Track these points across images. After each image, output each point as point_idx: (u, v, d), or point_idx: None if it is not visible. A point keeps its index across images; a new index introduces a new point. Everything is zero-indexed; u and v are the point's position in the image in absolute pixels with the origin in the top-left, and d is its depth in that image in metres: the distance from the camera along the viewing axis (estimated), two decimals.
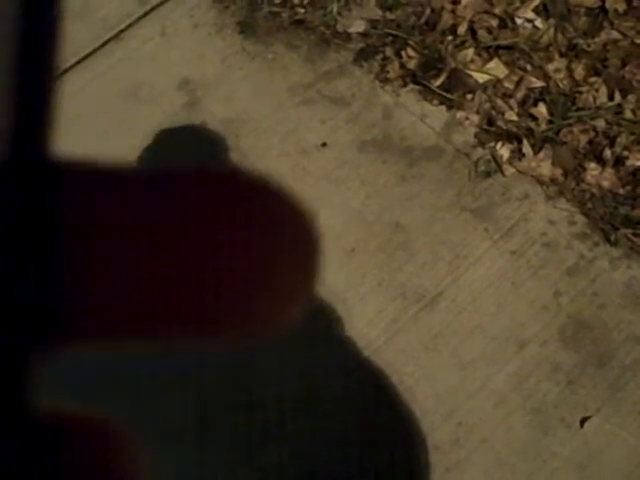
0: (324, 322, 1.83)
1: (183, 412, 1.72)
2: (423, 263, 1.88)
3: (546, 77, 2.12)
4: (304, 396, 1.74)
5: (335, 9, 2.28)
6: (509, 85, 2.13)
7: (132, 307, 0.17)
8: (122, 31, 2.25)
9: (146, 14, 2.28)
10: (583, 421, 1.66)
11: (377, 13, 2.28)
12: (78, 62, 2.20)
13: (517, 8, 2.24)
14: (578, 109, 2.06)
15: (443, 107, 2.12)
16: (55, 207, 0.17)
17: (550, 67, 2.13)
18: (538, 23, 2.21)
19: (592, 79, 2.10)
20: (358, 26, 2.26)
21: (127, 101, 2.16)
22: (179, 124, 2.14)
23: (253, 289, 0.17)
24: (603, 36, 2.17)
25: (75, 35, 2.24)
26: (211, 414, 1.72)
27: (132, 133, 2.10)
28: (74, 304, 0.17)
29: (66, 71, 2.20)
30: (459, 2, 2.26)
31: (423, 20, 2.25)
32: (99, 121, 2.13)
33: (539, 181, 1.98)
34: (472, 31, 2.22)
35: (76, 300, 0.17)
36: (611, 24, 2.18)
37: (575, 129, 2.03)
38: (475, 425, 1.70)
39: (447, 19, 2.24)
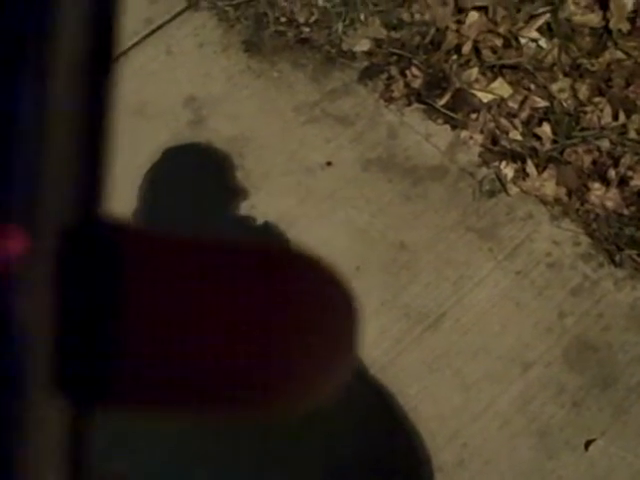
0: None
1: None
2: (427, 283, 1.88)
3: (550, 97, 2.13)
4: (305, 416, 1.73)
5: (340, 28, 2.29)
6: (513, 105, 2.13)
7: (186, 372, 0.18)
8: (128, 49, 2.27)
9: (152, 33, 2.29)
10: (588, 444, 1.65)
11: (382, 32, 2.29)
12: None
13: (521, 28, 2.25)
14: (582, 129, 2.06)
15: (447, 126, 2.13)
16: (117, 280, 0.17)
17: (554, 87, 2.14)
18: (542, 43, 2.22)
19: (596, 99, 2.11)
20: (363, 45, 2.27)
21: (133, 119, 2.17)
22: (184, 142, 2.14)
23: (300, 364, 0.18)
24: (607, 56, 2.18)
25: None
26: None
27: (138, 151, 2.10)
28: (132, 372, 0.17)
29: None
30: (463, 22, 2.27)
31: (428, 39, 2.26)
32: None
33: (543, 201, 1.98)
34: (476, 50, 2.23)
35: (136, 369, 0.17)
36: (615, 44, 2.18)
37: (579, 149, 2.04)
38: (479, 447, 1.69)
39: (452, 38, 2.25)
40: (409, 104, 2.17)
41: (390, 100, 2.19)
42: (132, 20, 2.30)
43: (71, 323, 0.16)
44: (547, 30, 2.24)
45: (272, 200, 2.02)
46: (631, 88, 2.10)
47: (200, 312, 0.18)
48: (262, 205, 2.02)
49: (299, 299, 0.18)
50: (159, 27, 2.30)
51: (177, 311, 0.18)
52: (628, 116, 2.06)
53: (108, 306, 0.17)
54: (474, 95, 2.16)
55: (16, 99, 0.14)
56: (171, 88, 2.21)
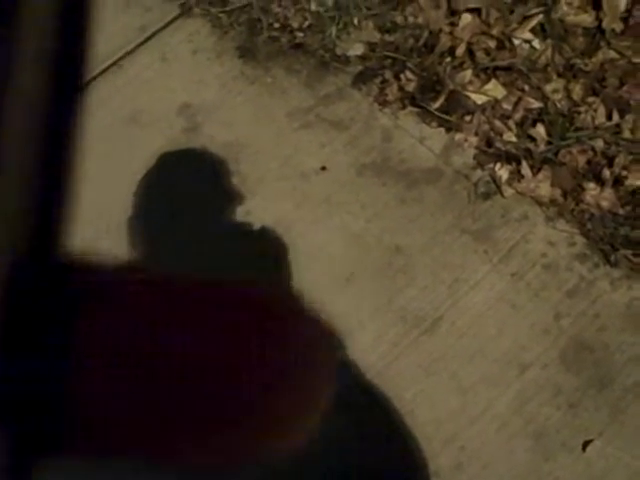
0: None
1: None
2: (423, 286, 1.88)
3: (544, 98, 2.13)
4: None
5: (334, 33, 2.29)
6: (507, 106, 2.13)
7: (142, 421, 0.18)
8: (122, 58, 2.27)
9: (146, 40, 2.30)
10: (585, 445, 1.65)
11: (375, 36, 2.29)
12: None
13: (514, 29, 2.25)
14: (576, 129, 2.06)
15: (442, 129, 2.13)
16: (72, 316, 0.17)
17: (548, 87, 2.14)
18: (535, 44, 2.22)
19: (590, 99, 2.11)
20: (357, 49, 2.28)
21: (128, 127, 2.18)
22: (179, 149, 2.15)
23: (273, 404, 0.18)
24: (600, 56, 2.18)
25: None
26: None
27: (133, 158, 2.11)
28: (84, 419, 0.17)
29: None
30: (457, 24, 2.27)
31: (421, 42, 2.26)
32: (100, 146, 2.14)
33: (538, 202, 1.98)
34: (470, 52, 2.23)
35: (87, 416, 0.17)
36: (608, 44, 2.18)
37: (574, 149, 2.03)
38: (477, 450, 1.69)
39: (445, 41, 2.25)
40: (403, 107, 2.18)
41: (384, 104, 2.19)
42: (126, 28, 2.31)
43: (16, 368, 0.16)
44: (540, 31, 2.24)
45: (267, 205, 2.02)
46: (625, 88, 2.10)
47: (155, 355, 0.18)
48: (258, 210, 2.02)
49: (277, 339, 0.19)
50: (153, 35, 2.31)
51: (131, 351, 0.18)
52: (622, 116, 2.06)
53: (54, 347, 0.17)
54: (468, 97, 2.16)
55: None
56: (166, 95, 2.22)
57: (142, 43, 2.29)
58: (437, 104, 2.16)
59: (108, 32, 2.32)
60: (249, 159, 2.11)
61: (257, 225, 2.01)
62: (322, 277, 1.91)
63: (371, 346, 1.81)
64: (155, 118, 2.17)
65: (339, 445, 1.71)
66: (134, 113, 2.18)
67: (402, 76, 2.22)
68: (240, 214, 2.03)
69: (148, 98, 2.20)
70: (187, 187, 2.09)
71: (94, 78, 2.25)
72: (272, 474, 1.67)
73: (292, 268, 1.93)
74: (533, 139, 2.07)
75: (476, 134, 2.11)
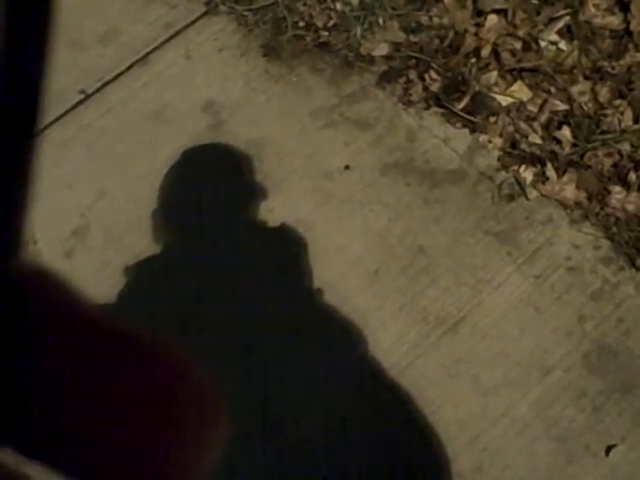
0: (345, 345, 1.83)
1: None
2: (446, 287, 1.87)
3: (570, 100, 2.11)
4: (326, 420, 1.73)
5: (359, 32, 2.29)
6: (533, 108, 2.12)
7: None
8: (148, 54, 2.28)
9: (171, 38, 2.31)
10: (608, 449, 1.64)
11: (400, 36, 2.29)
12: (104, 86, 2.23)
13: (541, 30, 2.23)
14: (603, 132, 2.04)
15: (466, 130, 2.12)
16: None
17: (574, 90, 2.12)
18: (562, 45, 2.21)
19: (617, 102, 2.09)
20: (381, 49, 2.27)
21: (152, 123, 2.19)
22: (203, 146, 2.15)
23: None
24: (628, 58, 2.16)
25: (101, 59, 2.27)
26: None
27: (157, 155, 2.12)
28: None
29: (92, 95, 2.23)
30: (483, 25, 2.27)
31: (446, 43, 2.26)
32: (125, 143, 2.15)
33: (563, 205, 1.97)
34: (495, 54, 2.22)
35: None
36: (636, 46, 2.17)
37: (599, 152, 2.02)
38: (498, 452, 1.68)
39: (470, 42, 2.24)
40: (428, 108, 2.17)
41: (409, 104, 2.18)
42: (151, 25, 2.32)
43: None
44: (567, 33, 2.22)
45: (290, 204, 2.02)
46: None
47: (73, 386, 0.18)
48: (280, 209, 2.02)
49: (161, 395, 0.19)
50: (178, 32, 2.31)
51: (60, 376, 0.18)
52: None
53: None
54: (493, 98, 2.15)
55: None
56: (190, 93, 2.22)
57: (167, 40, 2.30)
58: (462, 105, 2.15)
59: (133, 29, 2.34)
60: (273, 157, 2.11)
61: (279, 223, 2.01)
62: (344, 276, 1.90)
63: (393, 345, 1.81)
64: (180, 115, 2.17)
65: (358, 444, 1.70)
66: (159, 110, 2.19)
67: (427, 76, 2.22)
68: (263, 212, 2.03)
69: (173, 95, 2.21)
70: (210, 184, 2.09)
71: (119, 74, 2.26)
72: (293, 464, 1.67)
73: (314, 266, 1.93)
74: (558, 141, 2.06)
75: (501, 135, 2.10)
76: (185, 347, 0.20)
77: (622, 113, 2.06)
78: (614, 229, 1.92)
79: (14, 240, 0.18)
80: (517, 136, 2.08)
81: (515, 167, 2.04)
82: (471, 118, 2.12)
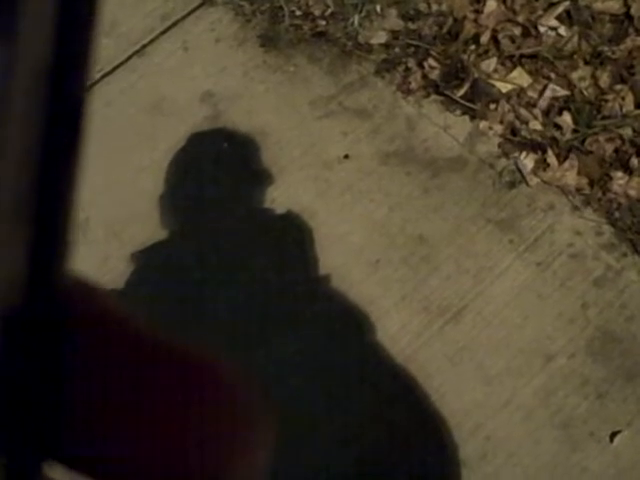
0: (348, 336, 1.82)
1: None
2: (447, 276, 1.87)
3: (571, 85, 2.10)
4: (327, 410, 1.73)
5: (356, 21, 2.28)
6: (533, 94, 2.11)
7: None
8: (145, 46, 2.27)
9: (168, 29, 2.29)
10: (613, 436, 1.63)
11: (399, 24, 2.27)
12: (103, 77, 2.22)
13: (540, 16, 2.22)
14: (604, 117, 2.03)
15: (466, 117, 2.11)
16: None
17: (574, 75, 2.11)
18: (562, 31, 2.19)
19: (618, 87, 2.08)
20: (380, 37, 2.26)
21: (151, 114, 2.17)
22: (202, 137, 2.14)
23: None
24: (629, 43, 2.14)
25: (98, 51, 2.26)
26: None
27: (156, 146, 2.11)
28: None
29: (91, 86, 2.22)
30: (481, 11, 2.25)
31: (445, 30, 2.24)
32: (123, 134, 2.14)
33: (565, 191, 1.96)
34: (495, 40, 2.20)
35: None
36: (636, 31, 2.15)
37: (601, 138, 2.01)
38: (502, 440, 1.68)
39: (469, 28, 2.23)
40: (427, 96, 2.16)
41: (408, 92, 2.17)
42: (148, 17, 2.30)
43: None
44: (567, 18, 2.21)
45: (290, 194, 2.01)
46: None
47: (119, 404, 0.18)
48: (280, 199, 2.01)
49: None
50: (175, 23, 2.30)
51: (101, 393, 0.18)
52: None
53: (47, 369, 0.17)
54: (493, 85, 2.13)
55: None
56: (188, 84, 2.21)
57: (164, 31, 2.29)
58: (461, 92, 2.14)
59: (130, 20, 2.32)
60: (271, 148, 2.10)
61: (280, 213, 2.00)
62: (345, 266, 1.90)
63: (396, 335, 1.80)
64: (178, 106, 2.16)
65: (362, 433, 1.70)
66: (157, 101, 2.18)
67: (426, 64, 2.20)
68: (262, 202, 2.03)
69: (171, 86, 2.20)
70: (210, 175, 2.08)
71: (117, 67, 2.25)
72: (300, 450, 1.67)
73: (315, 256, 1.92)
74: (559, 127, 2.04)
75: (501, 122, 2.09)
76: (236, 364, 0.19)
77: (623, 98, 2.05)
78: (616, 215, 1.91)
79: (62, 248, 0.17)
80: (517, 123, 2.07)
81: (516, 154, 2.03)
82: (471, 105, 2.11)
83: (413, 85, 2.18)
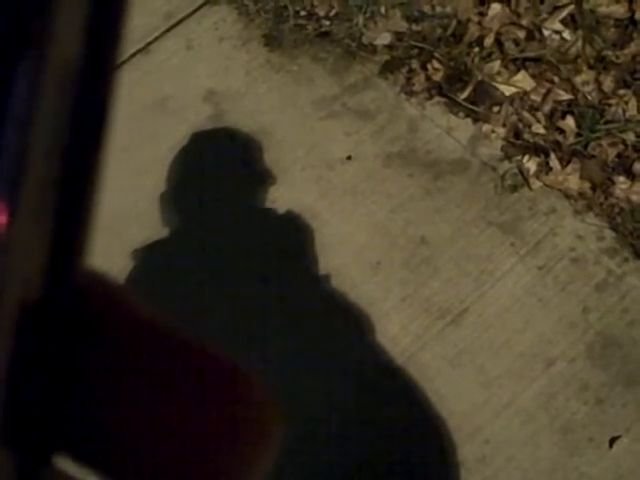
0: (348, 337, 1.82)
1: None
2: (448, 278, 1.86)
3: (574, 89, 2.10)
4: (327, 411, 1.73)
5: (361, 21, 2.27)
6: (536, 98, 2.11)
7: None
8: (148, 44, 2.27)
9: (172, 27, 2.29)
10: (612, 441, 1.63)
11: (403, 25, 2.27)
12: None
13: (544, 19, 2.22)
14: (607, 122, 2.03)
15: (469, 120, 2.10)
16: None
17: (578, 79, 2.11)
18: (566, 35, 2.19)
19: (621, 91, 2.08)
20: (384, 38, 2.26)
21: (154, 113, 2.17)
22: (204, 136, 2.14)
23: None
24: (633, 47, 2.14)
25: None
26: None
27: (158, 145, 2.11)
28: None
29: None
30: (486, 14, 2.25)
31: (449, 32, 2.24)
32: (126, 133, 2.14)
33: (567, 195, 1.96)
34: (499, 43, 2.20)
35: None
36: None
37: (604, 142, 2.01)
38: (501, 443, 1.68)
39: (473, 31, 2.23)
40: (430, 97, 2.16)
41: (411, 94, 2.17)
42: (152, 15, 2.30)
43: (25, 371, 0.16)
44: (571, 22, 2.20)
45: (292, 195, 2.01)
46: None
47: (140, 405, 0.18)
48: (282, 200, 2.01)
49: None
50: (179, 22, 2.30)
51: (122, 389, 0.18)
52: None
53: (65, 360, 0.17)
54: (496, 88, 2.13)
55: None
56: (191, 83, 2.21)
57: (168, 30, 2.29)
58: (464, 94, 2.14)
59: (134, 19, 2.31)
60: (274, 147, 2.10)
61: (282, 214, 2.00)
62: (347, 267, 1.89)
63: (396, 337, 1.80)
64: (181, 105, 2.16)
65: (362, 436, 1.70)
66: (161, 100, 2.17)
67: (429, 66, 2.20)
68: (265, 203, 2.02)
69: (174, 85, 2.20)
70: (212, 175, 2.08)
71: (120, 64, 2.24)
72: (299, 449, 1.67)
73: (317, 257, 1.92)
74: (562, 131, 2.04)
75: (504, 125, 2.09)
76: (250, 364, 0.19)
77: (626, 103, 2.04)
78: (618, 220, 1.91)
79: (80, 247, 0.18)
80: (520, 126, 2.07)
81: (518, 157, 2.02)
82: (474, 108, 2.11)
83: (416, 87, 2.17)
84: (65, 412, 0.17)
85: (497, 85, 2.13)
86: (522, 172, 2.00)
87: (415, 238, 1.93)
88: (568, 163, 1.99)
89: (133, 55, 2.25)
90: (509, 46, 2.19)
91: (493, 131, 2.08)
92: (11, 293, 0.15)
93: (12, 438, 0.16)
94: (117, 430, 0.18)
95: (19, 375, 0.16)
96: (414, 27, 2.27)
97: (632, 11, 2.16)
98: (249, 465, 0.19)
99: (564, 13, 2.20)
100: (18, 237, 0.15)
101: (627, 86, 2.07)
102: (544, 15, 2.21)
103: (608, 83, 2.09)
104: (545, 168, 2.00)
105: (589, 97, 2.08)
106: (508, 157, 2.03)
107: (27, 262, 0.15)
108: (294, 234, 1.97)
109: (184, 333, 0.19)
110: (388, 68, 2.21)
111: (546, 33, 2.20)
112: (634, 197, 1.93)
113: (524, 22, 2.22)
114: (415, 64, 2.21)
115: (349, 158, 2.06)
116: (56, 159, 0.16)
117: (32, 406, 0.17)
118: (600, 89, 2.08)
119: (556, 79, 2.12)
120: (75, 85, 0.16)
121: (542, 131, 2.05)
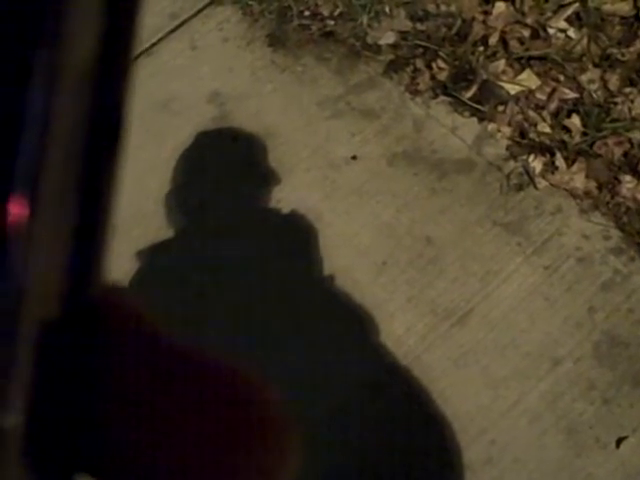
0: (353, 337, 1.82)
1: None
2: (454, 278, 1.86)
3: (579, 88, 2.09)
4: (335, 411, 1.72)
5: (365, 21, 2.27)
6: (541, 96, 2.10)
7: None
8: (153, 45, 2.27)
9: (176, 28, 2.29)
10: (619, 442, 1.62)
11: (407, 24, 2.27)
12: None
13: (549, 18, 2.21)
14: (613, 120, 2.02)
15: (474, 119, 2.10)
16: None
17: (584, 78, 2.10)
18: (571, 33, 2.18)
19: (627, 89, 2.07)
20: (388, 38, 2.25)
21: (158, 114, 2.17)
22: (209, 137, 2.14)
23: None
24: (638, 45, 2.13)
25: None
26: None
27: (163, 145, 2.11)
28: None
29: None
30: (490, 12, 2.24)
31: (454, 31, 2.23)
32: (132, 134, 2.14)
33: (573, 194, 1.95)
34: (503, 42, 2.19)
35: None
36: None
37: (609, 141, 2.00)
38: (508, 444, 1.67)
39: (478, 30, 2.22)
40: (435, 97, 2.15)
41: (416, 93, 2.16)
42: (157, 16, 2.30)
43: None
44: (576, 20, 2.20)
45: (297, 195, 2.01)
46: None
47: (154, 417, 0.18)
48: (287, 199, 2.01)
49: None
50: (184, 22, 2.30)
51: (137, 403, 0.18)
52: None
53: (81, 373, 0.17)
54: (501, 87, 2.12)
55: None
56: (196, 83, 2.21)
57: (172, 30, 2.29)
58: (469, 94, 2.13)
59: None
60: (279, 148, 2.09)
61: (287, 214, 2.00)
62: (352, 267, 1.89)
63: (402, 337, 1.79)
64: (186, 106, 2.16)
65: (367, 435, 1.69)
66: (165, 100, 2.17)
67: (434, 65, 2.20)
68: (270, 203, 2.02)
69: (179, 86, 2.20)
70: (217, 175, 2.08)
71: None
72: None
73: (322, 257, 1.92)
74: (568, 130, 2.03)
75: (509, 124, 2.08)
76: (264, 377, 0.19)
77: (632, 101, 2.03)
78: (624, 219, 1.90)
79: (99, 255, 0.18)
80: (526, 125, 2.06)
81: (524, 156, 2.02)
82: (479, 107, 2.10)
83: (421, 86, 2.17)
84: (84, 428, 0.17)
85: (502, 84, 2.12)
86: (528, 171, 2.00)
87: (420, 238, 1.93)
88: (574, 162, 1.98)
89: (138, 56, 2.25)
90: (514, 45, 2.18)
91: (498, 130, 2.07)
92: (32, 289, 0.15)
93: (34, 457, 0.16)
94: (133, 440, 0.18)
95: (40, 392, 0.16)
96: (418, 26, 2.27)
97: (637, 9, 2.15)
98: (259, 467, 0.19)
99: (569, 11, 2.19)
100: (39, 231, 0.15)
101: (633, 84, 2.06)
102: (549, 13, 2.21)
103: (614, 81, 2.08)
104: (551, 167, 1.99)
105: (595, 95, 2.07)
106: (513, 156, 2.03)
107: (47, 261, 0.15)
108: (298, 235, 1.96)
109: (183, 338, 0.19)
110: (393, 67, 2.21)
111: (551, 31, 2.19)
112: None
113: (529, 20, 2.21)
114: (420, 63, 2.20)
115: (354, 158, 2.06)
116: (75, 158, 0.16)
117: (52, 424, 0.16)
118: (606, 87, 2.07)
119: (561, 78, 2.11)
120: (91, 85, 0.16)
121: (548, 130, 2.04)
